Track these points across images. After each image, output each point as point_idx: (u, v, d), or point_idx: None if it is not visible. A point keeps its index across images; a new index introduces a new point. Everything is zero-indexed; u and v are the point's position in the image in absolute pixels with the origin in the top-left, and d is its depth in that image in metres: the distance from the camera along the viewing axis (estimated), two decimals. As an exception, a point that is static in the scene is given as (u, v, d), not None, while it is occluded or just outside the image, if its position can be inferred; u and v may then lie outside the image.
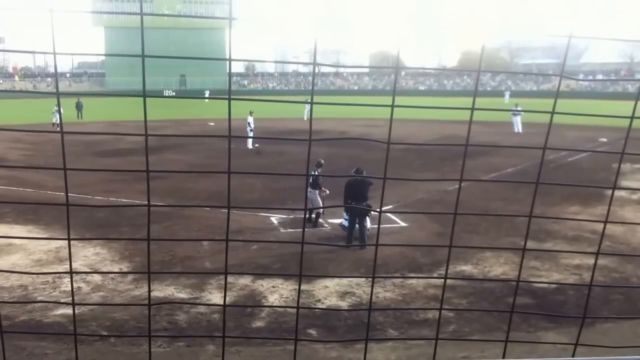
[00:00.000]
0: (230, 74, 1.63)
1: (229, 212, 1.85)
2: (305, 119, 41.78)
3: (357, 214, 12.18)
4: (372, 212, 12.45)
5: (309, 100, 1.71)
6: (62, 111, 1.62)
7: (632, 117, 1.73)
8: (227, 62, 1.70)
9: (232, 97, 1.64)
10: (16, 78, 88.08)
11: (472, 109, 1.75)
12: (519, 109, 33.79)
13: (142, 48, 1.52)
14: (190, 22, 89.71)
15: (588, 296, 2.30)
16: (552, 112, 1.76)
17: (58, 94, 1.61)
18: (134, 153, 25.05)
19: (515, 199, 15.90)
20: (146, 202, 1.78)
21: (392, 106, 1.72)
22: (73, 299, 1.75)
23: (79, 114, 44.14)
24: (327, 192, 13.73)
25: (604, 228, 2.03)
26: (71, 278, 1.77)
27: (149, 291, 2.03)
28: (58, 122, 35.99)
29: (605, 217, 2.01)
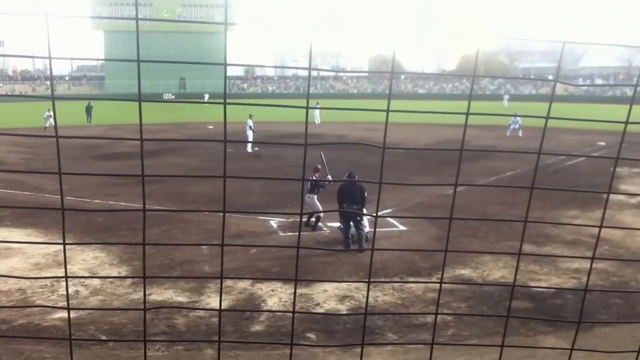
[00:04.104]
0: (225, 79, 1.64)
1: (224, 216, 1.85)
2: (317, 122, 42.13)
3: (350, 218, 12.27)
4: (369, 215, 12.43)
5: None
6: (55, 115, 1.62)
7: (626, 122, 1.74)
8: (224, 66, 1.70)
9: (227, 101, 1.64)
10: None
11: (467, 113, 1.75)
12: (517, 118, 33.95)
13: (137, 53, 1.53)
14: (189, 26, 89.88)
15: (583, 301, 2.30)
16: (547, 117, 1.76)
17: (53, 98, 1.61)
18: (133, 157, 25.03)
19: (513, 202, 15.90)
20: (142, 207, 1.78)
21: (387, 111, 1.73)
22: (68, 304, 1.75)
23: (89, 117, 43.88)
24: (330, 178, 13.61)
25: (599, 232, 2.03)
26: (66, 282, 1.78)
27: (144, 295, 2.03)
28: (50, 126, 35.79)
29: (602, 221, 2.01)
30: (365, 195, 12.27)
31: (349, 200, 12.30)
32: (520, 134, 35.06)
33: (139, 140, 1.68)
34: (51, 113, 35.84)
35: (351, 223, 12.33)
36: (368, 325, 8.24)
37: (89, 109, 44.09)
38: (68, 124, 36.41)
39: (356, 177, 12.60)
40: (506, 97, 74.09)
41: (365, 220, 12.49)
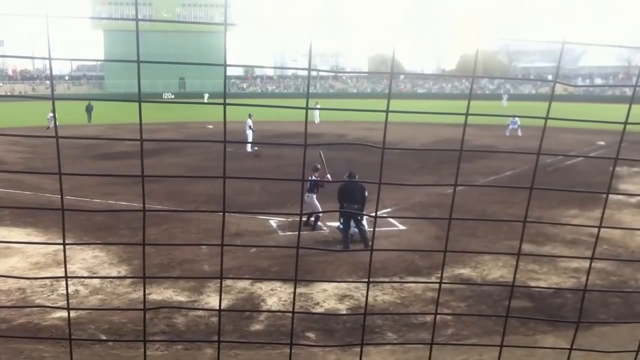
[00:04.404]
0: (225, 80, 1.64)
1: (224, 216, 1.85)
2: (316, 122, 42.12)
3: (350, 217, 12.37)
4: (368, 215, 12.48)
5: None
6: (55, 116, 1.63)
7: (625, 123, 1.74)
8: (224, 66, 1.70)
9: (227, 102, 1.64)
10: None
11: (467, 114, 1.76)
12: (516, 119, 33.94)
13: (137, 54, 1.53)
14: (189, 26, 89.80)
15: (582, 301, 2.30)
16: (546, 118, 1.76)
17: (53, 98, 1.61)
18: (132, 156, 25.02)
19: (512, 202, 15.91)
20: (142, 206, 1.78)
21: (387, 111, 1.73)
22: (68, 304, 1.75)
23: (89, 117, 43.87)
24: (329, 178, 13.60)
25: (599, 232, 2.04)
26: (66, 282, 1.78)
27: (144, 295, 2.03)
28: (51, 127, 35.84)
29: (601, 221, 2.01)
30: (366, 194, 12.31)
31: (350, 200, 12.34)
32: (520, 134, 35.08)
33: (138, 140, 1.69)
34: (53, 114, 35.65)
35: (351, 223, 12.38)
36: (367, 325, 8.25)
37: (89, 109, 44.04)
38: (68, 124, 36.37)
39: (356, 176, 12.67)
40: (505, 96, 74.19)
41: (365, 220, 12.53)
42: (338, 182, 13.03)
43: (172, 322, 8.47)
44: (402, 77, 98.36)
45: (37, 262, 10.97)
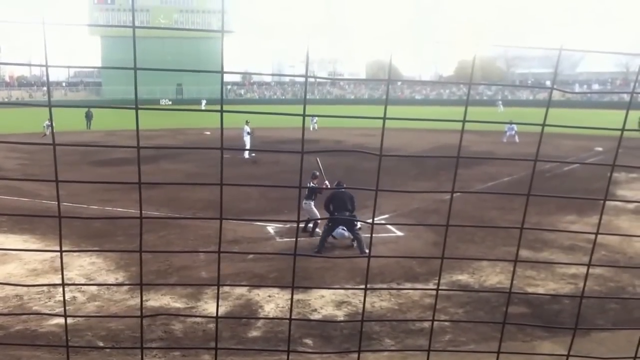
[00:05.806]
0: (222, 86, 1.64)
1: (221, 223, 1.85)
2: (312, 129, 42.13)
3: (339, 224, 12.60)
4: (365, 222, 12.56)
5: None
6: (53, 123, 1.62)
7: (622, 129, 1.75)
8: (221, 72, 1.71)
9: (224, 109, 1.64)
10: None
11: (464, 120, 1.76)
12: (513, 124, 33.96)
13: (134, 60, 1.53)
14: (186, 32, 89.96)
15: (579, 307, 2.30)
16: (543, 125, 1.77)
17: (50, 105, 1.61)
18: (130, 162, 24.98)
19: (511, 208, 15.91)
20: (139, 213, 1.78)
21: (384, 118, 1.73)
22: (65, 311, 1.74)
23: (88, 124, 43.83)
24: (327, 184, 13.68)
25: (596, 238, 2.04)
26: (63, 290, 1.77)
27: (141, 303, 2.02)
28: (48, 134, 35.59)
29: (599, 227, 2.01)
30: (355, 204, 12.48)
31: (341, 208, 12.42)
32: (517, 140, 35.12)
33: (135, 147, 1.68)
34: (49, 122, 35.64)
35: (342, 229, 12.52)
36: (365, 331, 8.24)
37: (88, 116, 44.00)
38: (66, 130, 36.31)
39: (344, 185, 12.95)
40: (500, 103, 74.52)
41: (359, 225, 12.62)
42: (336, 188, 13.04)
43: (170, 328, 8.44)
44: (399, 83, 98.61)
45: (34, 269, 10.93)
